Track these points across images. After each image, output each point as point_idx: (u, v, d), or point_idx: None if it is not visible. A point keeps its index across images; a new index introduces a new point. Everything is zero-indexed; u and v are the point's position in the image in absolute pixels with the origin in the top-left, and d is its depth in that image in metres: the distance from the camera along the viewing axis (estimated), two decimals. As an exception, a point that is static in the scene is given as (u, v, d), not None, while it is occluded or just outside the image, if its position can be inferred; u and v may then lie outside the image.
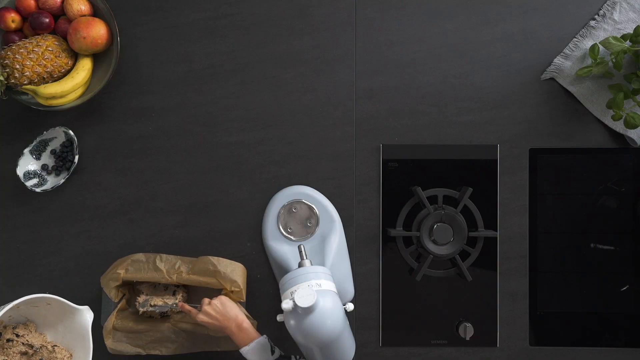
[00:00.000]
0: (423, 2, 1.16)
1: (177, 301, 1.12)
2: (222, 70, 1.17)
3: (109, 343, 1.10)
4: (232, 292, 1.09)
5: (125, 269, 1.10)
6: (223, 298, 1.05)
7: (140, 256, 1.12)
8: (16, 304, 0.98)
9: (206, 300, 1.06)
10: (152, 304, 1.11)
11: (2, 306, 0.98)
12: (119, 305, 1.12)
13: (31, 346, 1.03)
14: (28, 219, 1.17)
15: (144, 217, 1.17)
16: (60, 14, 1.13)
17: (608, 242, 1.17)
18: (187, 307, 1.07)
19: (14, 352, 1.03)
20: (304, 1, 1.16)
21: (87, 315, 1.04)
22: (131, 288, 1.17)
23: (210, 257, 1.10)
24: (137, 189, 1.17)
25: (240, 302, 1.11)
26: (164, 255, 1.12)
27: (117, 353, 1.11)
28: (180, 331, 1.11)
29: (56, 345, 1.05)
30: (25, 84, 1.09)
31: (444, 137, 1.17)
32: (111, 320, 1.10)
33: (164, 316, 1.14)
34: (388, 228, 1.17)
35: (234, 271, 1.10)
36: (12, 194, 1.17)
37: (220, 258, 1.11)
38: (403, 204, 1.17)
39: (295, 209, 1.14)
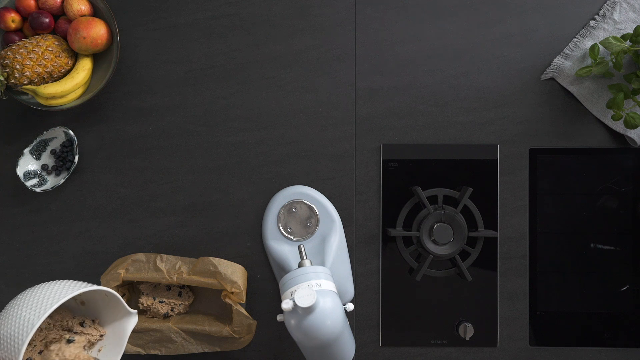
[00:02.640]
0: (423, 2, 1.16)
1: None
2: (222, 70, 1.17)
3: None
4: (232, 293, 1.09)
5: (125, 269, 1.11)
6: None
7: (141, 256, 1.12)
8: (85, 291, 0.98)
9: None
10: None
11: (71, 286, 0.97)
12: None
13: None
14: (28, 219, 1.17)
15: (144, 217, 1.17)
16: (60, 14, 1.13)
17: (608, 242, 1.17)
18: None
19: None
20: (304, 1, 1.16)
21: (133, 319, 1.04)
22: (131, 288, 1.17)
23: (211, 258, 1.10)
24: (137, 189, 1.17)
25: (240, 304, 1.11)
26: (164, 256, 1.12)
27: None
28: (180, 331, 1.11)
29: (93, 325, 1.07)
30: (25, 84, 1.09)
31: (444, 137, 1.17)
32: None
33: (166, 317, 1.14)
34: (388, 228, 1.17)
35: (235, 272, 1.10)
36: (12, 194, 1.17)
37: (221, 259, 1.11)
38: (403, 204, 1.17)
39: (295, 209, 1.14)
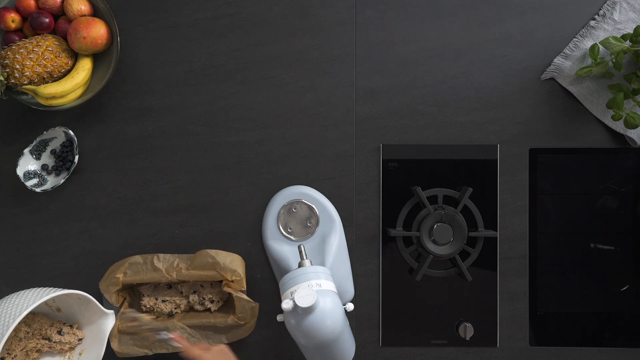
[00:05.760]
0: (423, 2, 1.16)
1: (170, 334, 1.09)
2: (222, 70, 1.17)
3: (116, 346, 1.11)
4: (232, 281, 1.10)
5: (123, 273, 1.10)
6: (225, 349, 1.01)
7: (137, 258, 1.12)
8: (54, 296, 0.98)
9: (203, 346, 1.02)
10: (144, 327, 1.10)
11: (40, 292, 0.97)
12: (121, 310, 1.12)
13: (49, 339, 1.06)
14: (28, 219, 1.17)
15: (144, 217, 1.17)
16: (60, 14, 1.13)
17: (608, 242, 1.17)
18: (184, 342, 1.03)
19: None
20: (304, 1, 1.16)
21: (110, 320, 1.05)
22: (131, 291, 1.17)
23: (208, 250, 1.11)
24: (137, 189, 1.17)
25: (242, 291, 1.11)
26: (161, 255, 1.12)
27: (124, 356, 1.12)
28: (185, 327, 1.11)
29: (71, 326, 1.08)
30: (25, 84, 1.09)
31: (444, 137, 1.17)
32: (115, 325, 1.11)
33: (171, 315, 1.14)
34: (388, 228, 1.17)
35: (233, 261, 1.10)
36: (12, 194, 1.17)
37: (219, 250, 1.11)
38: (403, 204, 1.17)
39: (295, 209, 1.14)
